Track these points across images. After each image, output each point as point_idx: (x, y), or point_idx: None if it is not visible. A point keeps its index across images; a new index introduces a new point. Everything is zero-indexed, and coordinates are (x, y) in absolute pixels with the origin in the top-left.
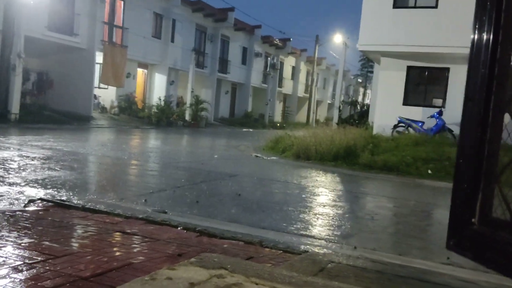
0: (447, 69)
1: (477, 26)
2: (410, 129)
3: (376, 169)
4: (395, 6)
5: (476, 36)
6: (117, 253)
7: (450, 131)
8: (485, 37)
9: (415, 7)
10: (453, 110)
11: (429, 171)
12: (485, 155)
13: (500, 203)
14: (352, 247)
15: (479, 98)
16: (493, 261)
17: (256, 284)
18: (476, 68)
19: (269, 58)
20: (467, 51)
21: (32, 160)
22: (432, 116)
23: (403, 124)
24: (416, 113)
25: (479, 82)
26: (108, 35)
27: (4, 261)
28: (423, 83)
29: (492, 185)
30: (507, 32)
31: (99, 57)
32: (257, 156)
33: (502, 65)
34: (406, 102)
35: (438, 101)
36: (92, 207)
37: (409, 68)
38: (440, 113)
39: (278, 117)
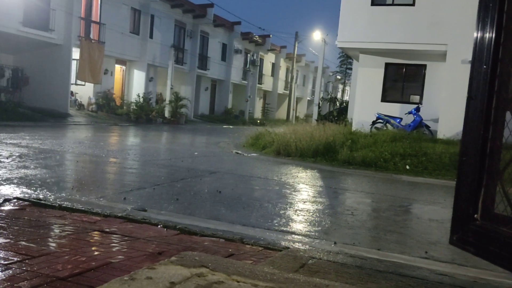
0: (424, 66)
1: (479, 27)
2: (388, 125)
3: (354, 165)
4: (373, 3)
5: (478, 37)
6: (96, 253)
7: (427, 127)
8: (487, 37)
9: (392, 4)
10: (430, 106)
11: (407, 167)
12: (488, 152)
13: (502, 199)
14: (332, 243)
15: (482, 97)
16: (495, 256)
17: (238, 282)
18: (478, 68)
19: (249, 55)
20: (443, 48)
21: (7, 158)
22: (409, 113)
23: (381, 121)
24: (394, 109)
25: (482, 81)
26: (85, 30)
27: None
28: (401, 80)
29: (495, 182)
30: (509, 32)
31: (75, 53)
32: (237, 153)
33: (504, 65)
34: (384, 99)
35: (416, 98)
36: (69, 206)
37: (387, 65)
38: (417, 110)
39: (258, 114)
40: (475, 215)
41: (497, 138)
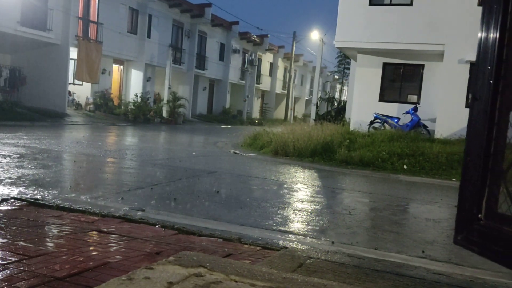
0: (422, 66)
1: (483, 28)
2: (386, 125)
3: (352, 165)
4: (371, 3)
5: (482, 38)
6: (93, 253)
7: (425, 126)
8: (491, 39)
9: (390, 4)
10: (428, 106)
11: (405, 166)
12: (492, 153)
13: (506, 199)
14: (330, 242)
15: (486, 98)
16: (499, 255)
17: (236, 281)
18: (483, 69)
19: (247, 55)
20: (441, 48)
21: (5, 158)
22: (407, 112)
23: (379, 120)
24: (392, 109)
25: (486, 82)
26: (82, 30)
27: None
28: (399, 79)
29: (498, 182)
30: None
31: (73, 53)
32: (235, 153)
33: (508, 65)
34: (382, 99)
35: (413, 98)
36: (67, 206)
37: (385, 65)
38: (415, 109)
39: (256, 114)
40: (479, 215)
41: (501, 138)
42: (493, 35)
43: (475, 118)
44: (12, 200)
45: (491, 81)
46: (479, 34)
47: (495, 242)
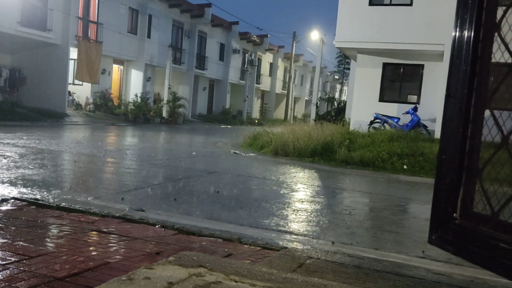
0: (422, 66)
1: (458, 24)
2: (386, 125)
3: (352, 165)
4: (371, 3)
5: (457, 34)
6: (93, 253)
7: (425, 127)
8: (466, 35)
9: (390, 4)
10: (428, 106)
11: (405, 167)
12: (467, 151)
13: (481, 198)
14: (330, 242)
15: (461, 95)
16: (474, 255)
17: (236, 281)
18: (457, 66)
19: (246, 55)
20: (441, 48)
21: (5, 158)
22: (407, 112)
23: (379, 120)
24: (391, 109)
25: (461, 79)
26: (82, 30)
27: None
28: (399, 79)
29: (474, 181)
30: (488, 30)
31: (73, 53)
32: (235, 153)
33: (483, 63)
34: (382, 99)
35: (413, 98)
36: (67, 206)
37: (385, 65)
38: (415, 109)
39: (256, 114)
40: (454, 214)
41: (476, 136)
42: (468, 31)
43: (450, 115)
44: (12, 200)
45: (466, 78)
46: (453, 31)
47: (471, 241)
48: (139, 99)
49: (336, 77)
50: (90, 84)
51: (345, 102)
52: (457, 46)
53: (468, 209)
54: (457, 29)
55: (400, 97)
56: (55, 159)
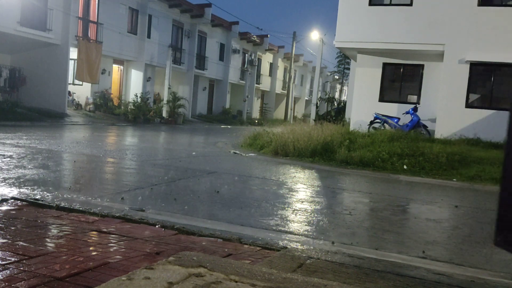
0: (422, 66)
1: None
2: (386, 125)
3: (352, 165)
4: (371, 3)
5: None
6: (93, 253)
7: (425, 127)
8: None
9: (390, 4)
10: (428, 106)
11: (405, 167)
12: None
13: None
14: (330, 242)
15: None
16: None
17: (236, 282)
18: None
19: (246, 55)
20: (441, 48)
21: (5, 158)
22: (407, 112)
23: (379, 120)
24: (391, 109)
25: None
26: (82, 30)
27: None
28: (399, 79)
29: None
30: None
31: (73, 53)
32: (235, 153)
33: None
34: (382, 99)
35: (413, 98)
36: (67, 206)
37: (385, 65)
38: (415, 109)
39: (256, 114)
40: None
41: None
42: None
43: None
44: (12, 200)
45: None
46: None
47: None
48: (139, 99)
49: (336, 77)
50: (90, 84)
51: (345, 102)
52: None
53: None
54: None
55: (400, 97)
56: (55, 159)
